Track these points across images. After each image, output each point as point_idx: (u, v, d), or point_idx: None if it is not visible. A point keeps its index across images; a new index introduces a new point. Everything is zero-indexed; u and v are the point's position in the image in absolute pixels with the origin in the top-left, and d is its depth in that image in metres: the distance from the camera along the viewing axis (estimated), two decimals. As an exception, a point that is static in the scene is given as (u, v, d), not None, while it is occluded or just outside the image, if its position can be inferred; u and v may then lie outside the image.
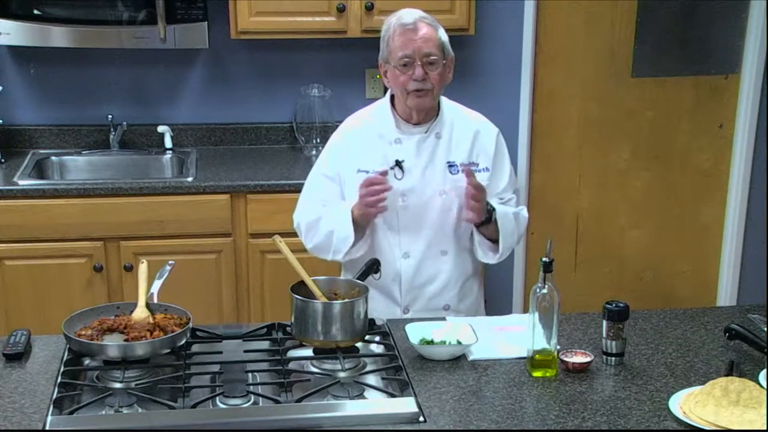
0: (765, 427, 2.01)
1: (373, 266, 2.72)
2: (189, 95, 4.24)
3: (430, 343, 2.40)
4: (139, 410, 2.13)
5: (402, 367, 2.32)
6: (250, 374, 2.31)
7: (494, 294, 4.21)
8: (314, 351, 2.40)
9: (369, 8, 3.87)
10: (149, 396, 2.15)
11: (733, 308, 2.97)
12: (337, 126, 3.03)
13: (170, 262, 2.63)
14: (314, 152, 4.10)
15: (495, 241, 2.85)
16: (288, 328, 2.48)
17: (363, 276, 2.66)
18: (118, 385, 2.22)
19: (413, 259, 2.87)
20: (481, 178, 2.83)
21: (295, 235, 2.94)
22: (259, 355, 2.41)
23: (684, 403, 2.13)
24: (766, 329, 2.53)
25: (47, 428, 2.04)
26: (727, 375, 2.25)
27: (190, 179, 3.80)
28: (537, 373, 2.29)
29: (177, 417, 2.08)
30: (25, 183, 3.73)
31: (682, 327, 2.59)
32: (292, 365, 2.35)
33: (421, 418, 2.10)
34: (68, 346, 2.35)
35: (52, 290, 3.71)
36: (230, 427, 2.08)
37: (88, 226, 3.71)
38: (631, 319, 2.41)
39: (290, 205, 2.99)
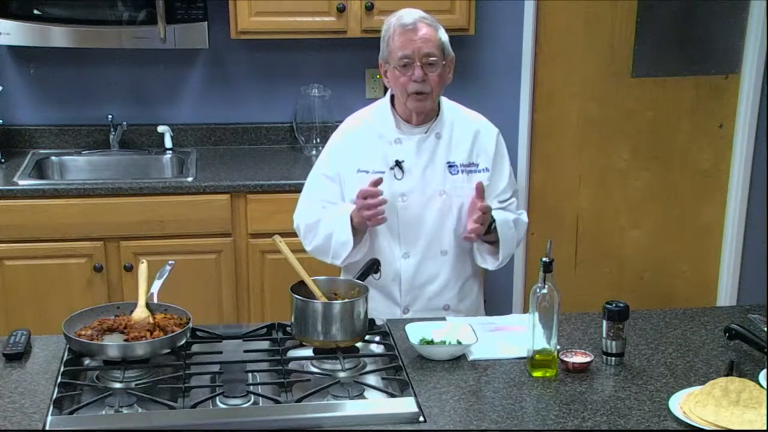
0: (765, 427, 2.01)
1: (373, 266, 2.72)
2: (189, 95, 4.23)
3: (430, 343, 2.40)
4: (139, 410, 2.13)
5: (402, 367, 2.32)
6: (250, 374, 2.31)
7: (494, 294, 4.21)
8: (314, 351, 2.40)
9: (369, 8, 3.86)
10: (149, 396, 2.15)
11: (733, 308, 2.96)
12: (337, 126, 3.03)
13: (170, 262, 2.63)
14: (314, 152, 4.10)
15: (494, 243, 2.85)
16: (288, 328, 2.48)
17: (363, 276, 2.66)
18: (118, 385, 2.22)
19: (413, 259, 2.87)
20: (481, 178, 2.83)
21: (295, 235, 2.94)
22: (259, 355, 2.41)
23: (684, 403, 2.13)
24: (766, 329, 2.53)
25: (47, 428, 2.04)
26: (727, 375, 2.25)
27: (190, 179, 3.80)
28: (537, 373, 2.29)
29: (177, 417, 2.08)
30: (25, 183, 3.73)
31: (682, 327, 2.59)
32: (292, 365, 2.35)
33: (421, 418, 2.10)
34: (68, 346, 2.35)
35: (52, 290, 3.71)
36: (230, 427, 2.08)
37: (88, 226, 3.70)
38: (631, 319, 2.41)
39: (290, 205, 2.99)
